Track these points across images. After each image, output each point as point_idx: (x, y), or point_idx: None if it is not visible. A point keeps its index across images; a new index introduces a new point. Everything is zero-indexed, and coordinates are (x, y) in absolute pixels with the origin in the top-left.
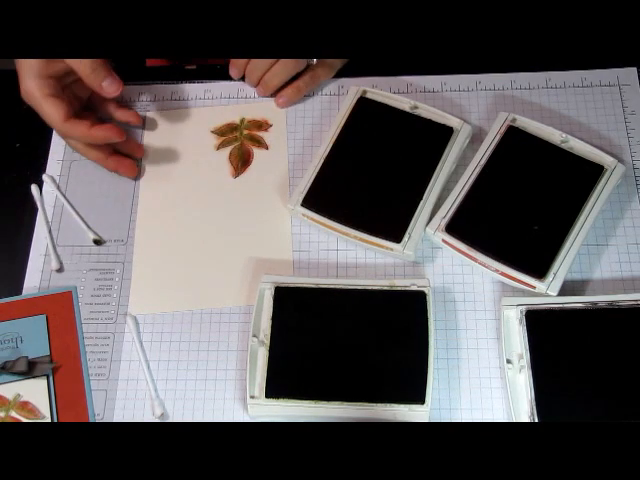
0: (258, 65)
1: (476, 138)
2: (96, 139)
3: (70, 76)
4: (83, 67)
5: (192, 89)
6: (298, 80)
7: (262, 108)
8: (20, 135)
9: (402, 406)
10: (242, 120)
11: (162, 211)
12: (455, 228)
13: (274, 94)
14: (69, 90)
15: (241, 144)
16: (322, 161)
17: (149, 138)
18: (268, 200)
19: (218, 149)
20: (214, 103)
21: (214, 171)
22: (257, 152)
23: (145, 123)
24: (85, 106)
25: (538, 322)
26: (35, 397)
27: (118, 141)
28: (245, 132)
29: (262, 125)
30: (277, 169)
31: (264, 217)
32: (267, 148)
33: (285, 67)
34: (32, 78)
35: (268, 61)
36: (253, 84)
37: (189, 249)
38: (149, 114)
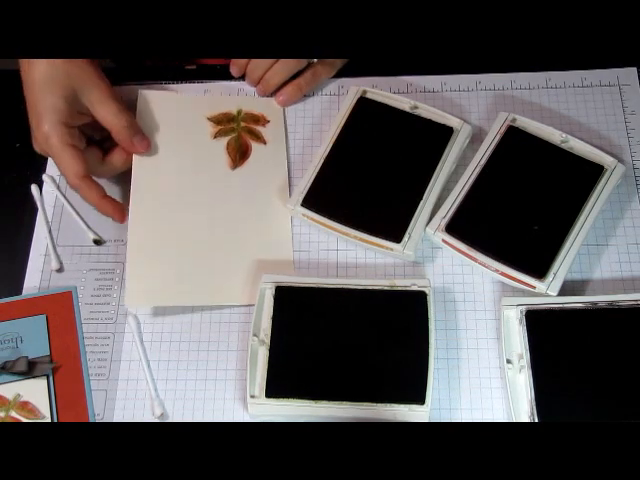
0: (259, 64)
1: (476, 138)
2: (100, 209)
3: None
4: (118, 121)
5: (192, 89)
6: (299, 78)
7: (259, 103)
8: (20, 135)
9: (402, 406)
10: (239, 111)
11: (156, 200)
12: (455, 228)
13: (274, 93)
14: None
15: (239, 135)
16: (322, 161)
17: (142, 119)
18: (267, 197)
19: (215, 137)
20: None
21: (211, 161)
22: (255, 146)
23: (138, 103)
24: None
25: (538, 322)
26: (35, 397)
27: (118, 222)
28: (242, 124)
29: (260, 120)
30: (276, 166)
31: (263, 213)
32: (265, 143)
33: (286, 66)
34: (55, 124)
35: (269, 60)
36: (254, 83)
37: (185, 242)
38: (142, 93)
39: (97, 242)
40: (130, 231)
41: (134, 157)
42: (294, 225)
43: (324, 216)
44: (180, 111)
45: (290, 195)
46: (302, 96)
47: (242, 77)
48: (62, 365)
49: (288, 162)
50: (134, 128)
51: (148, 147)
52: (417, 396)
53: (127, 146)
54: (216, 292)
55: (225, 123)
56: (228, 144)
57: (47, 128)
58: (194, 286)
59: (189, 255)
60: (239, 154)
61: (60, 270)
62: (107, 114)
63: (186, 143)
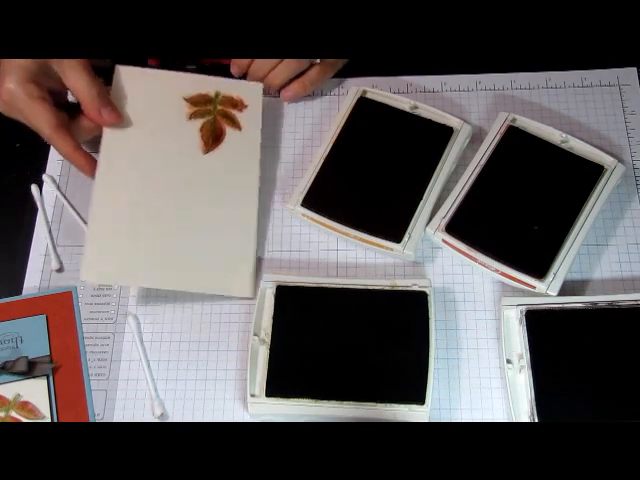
0: (262, 65)
1: (476, 138)
2: (72, 162)
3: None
4: (88, 91)
5: None
6: (304, 77)
7: (239, 87)
8: (20, 135)
9: (402, 406)
10: (217, 94)
11: (124, 174)
12: (455, 228)
13: (277, 91)
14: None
15: (214, 119)
16: (322, 161)
17: (117, 94)
18: (237, 185)
19: (190, 119)
20: None
21: (184, 142)
22: (230, 131)
23: (114, 78)
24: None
25: (538, 322)
26: (35, 397)
27: (88, 176)
28: (219, 107)
29: (237, 104)
30: (249, 153)
31: (230, 201)
32: (240, 129)
33: (289, 67)
34: (23, 81)
35: (271, 62)
36: (257, 81)
37: (151, 221)
38: (119, 69)
39: None
40: (94, 202)
41: (105, 129)
42: (294, 225)
43: (324, 216)
44: (157, 89)
45: (291, 195)
46: (306, 94)
47: (243, 77)
48: (62, 365)
49: (262, 150)
50: (104, 99)
51: (117, 120)
52: (417, 396)
53: (95, 117)
54: (178, 277)
55: (202, 105)
56: (202, 126)
57: (13, 85)
58: (156, 268)
59: (153, 235)
60: (212, 138)
61: (60, 270)
62: (77, 81)
63: (160, 121)
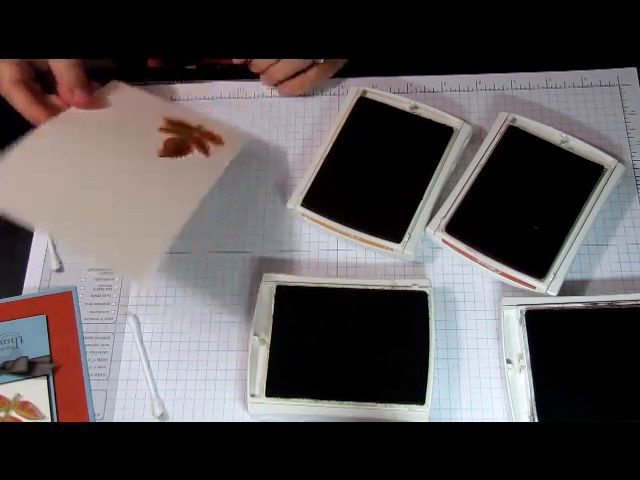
0: (264, 59)
1: (476, 138)
2: (27, 115)
3: None
4: (67, 70)
5: (192, 89)
6: (303, 76)
7: (224, 129)
8: (20, 135)
9: (402, 406)
10: (199, 126)
11: (74, 137)
12: (455, 228)
13: (277, 84)
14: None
15: (185, 139)
16: (322, 161)
17: (100, 93)
18: (178, 193)
19: (160, 131)
20: (213, 103)
21: (144, 144)
22: (196, 153)
23: (103, 87)
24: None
25: (538, 322)
26: (35, 397)
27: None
28: (195, 135)
29: (215, 138)
30: (205, 175)
31: (164, 205)
32: (207, 155)
33: (290, 63)
34: None
35: None
36: (259, 72)
37: (76, 177)
38: (114, 83)
39: None
40: (28, 138)
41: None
42: (294, 225)
43: (324, 216)
44: (141, 104)
45: (290, 195)
46: (304, 92)
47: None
48: (62, 365)
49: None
50: (81, 81)
51: (88, 102)
52: (417, 396)
53: (67, 96)
54: (81, 234)
55: (177, 126)
56: (169, 139)
57: None
58: (62, 217)
59: (71, 187)
60: (174, 150)
61: (60, 270)
62: (58, 59)
63: (129, 121)
